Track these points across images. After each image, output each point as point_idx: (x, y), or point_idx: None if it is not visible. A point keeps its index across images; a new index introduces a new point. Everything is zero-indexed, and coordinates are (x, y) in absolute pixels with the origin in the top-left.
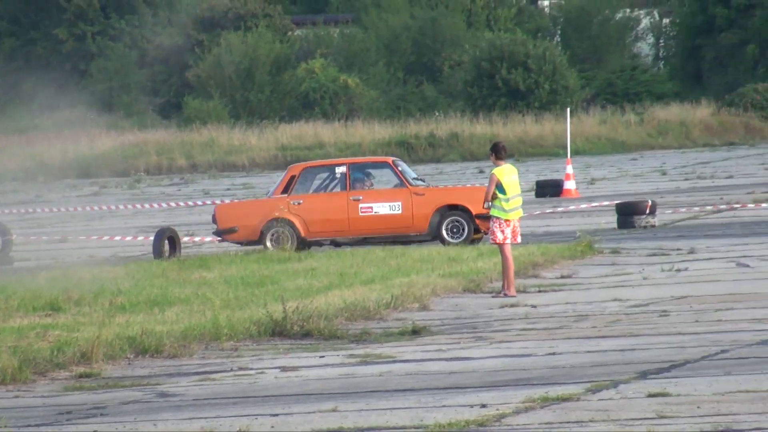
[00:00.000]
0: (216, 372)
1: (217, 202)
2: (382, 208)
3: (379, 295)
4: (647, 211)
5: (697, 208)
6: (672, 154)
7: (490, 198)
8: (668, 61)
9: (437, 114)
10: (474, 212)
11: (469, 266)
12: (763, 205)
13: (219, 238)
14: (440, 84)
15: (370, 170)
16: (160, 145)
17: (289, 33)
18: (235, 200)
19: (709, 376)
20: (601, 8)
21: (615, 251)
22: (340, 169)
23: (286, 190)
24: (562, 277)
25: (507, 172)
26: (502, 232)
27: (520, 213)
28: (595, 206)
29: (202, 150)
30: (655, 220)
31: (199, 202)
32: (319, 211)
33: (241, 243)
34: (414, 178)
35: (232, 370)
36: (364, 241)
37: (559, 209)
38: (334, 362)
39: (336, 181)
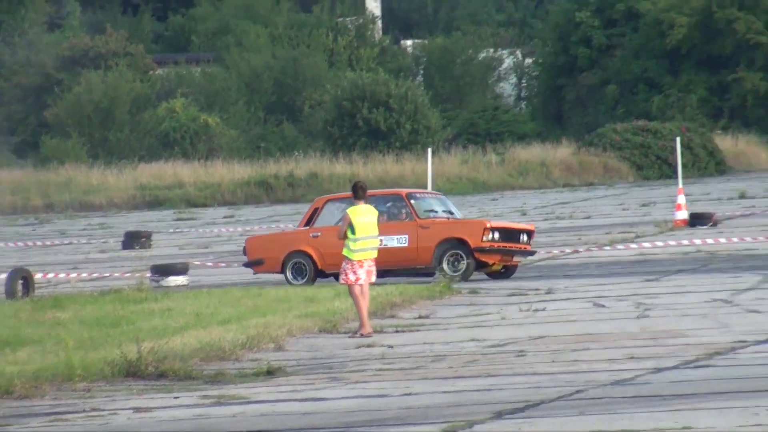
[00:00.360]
0: (68, 413)
1: (74, 241)
2: (390, 241)
3: (235, 336)
4: None
5: (555, 249)
6: (532, 194)
7: (341, 237)
8: (530, 101)
9: (297, 154)
10: (472, 245)
11: (326, 306)
12: (619, 246)
13: (250, 270)
14: (300, 123)
15: (387, 203)
16: (15, 184)
17: (151, 72)
18: (264, 233)
19: (563, 416)
20: (464, 48)
21: (473, 291)
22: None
23: (308, 223)
24: (420, 317)
25: (360, 213)
26: (354, 272)
27: (372, 254)
28: None
29: (58, 189)
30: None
31: (57, 242)
32: (334, 244)
33: (269, 273)
34: (441, 211)
35: (84, 411)
36: (379, 274)
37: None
38: (188, 403)
39: None
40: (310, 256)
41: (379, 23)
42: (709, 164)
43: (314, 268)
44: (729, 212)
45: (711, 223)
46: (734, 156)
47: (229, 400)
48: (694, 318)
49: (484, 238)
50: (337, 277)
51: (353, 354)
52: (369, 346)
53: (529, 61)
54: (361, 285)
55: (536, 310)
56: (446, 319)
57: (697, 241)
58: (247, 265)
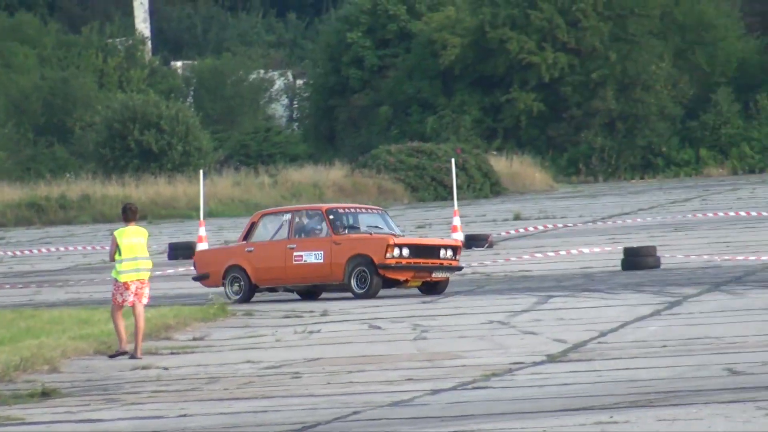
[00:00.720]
0: None
1: None
2: (309, 257)
3: (8, 357)
4: None
5: None
6: None
7: (111, 258)
8: (302, 122)
9: (68, 175)
10: (376, 262)
11: (101, 328)
12: None
13: (199, 283)
14: (72, 145)
15: (309, 219)
16: None
17: None
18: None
19: None
20: (234, 69)
21: (248, 313)
22: (285, 217)
23: (246, 237)
24: (195, 339)
25: (128, 234)
26: (120, 294)
27: (141, 276)
28: None
29: None
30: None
31: None
32: (264, 259)
33: (216, 287)
34: (367, 226)
35: None
36: (309, 289)
37: (192, 271)
38: None
39: (281, 229)
40: (245, 271)
41: (149, 44)
42: (484, 185)
43: (249, 282)
44: (504, 233)
45: (487, 245)
46: (509, 177)
47: (3, 422)
48: (471, 340)
49: (388, 255)
50: (270, 290)
51: (128, 376)
52: (144, 368)
53: (300, 82)
54: (132, 306)
55: (311, 332)
56: (221, 341)
57: (474, 263)
58: (195, 279)
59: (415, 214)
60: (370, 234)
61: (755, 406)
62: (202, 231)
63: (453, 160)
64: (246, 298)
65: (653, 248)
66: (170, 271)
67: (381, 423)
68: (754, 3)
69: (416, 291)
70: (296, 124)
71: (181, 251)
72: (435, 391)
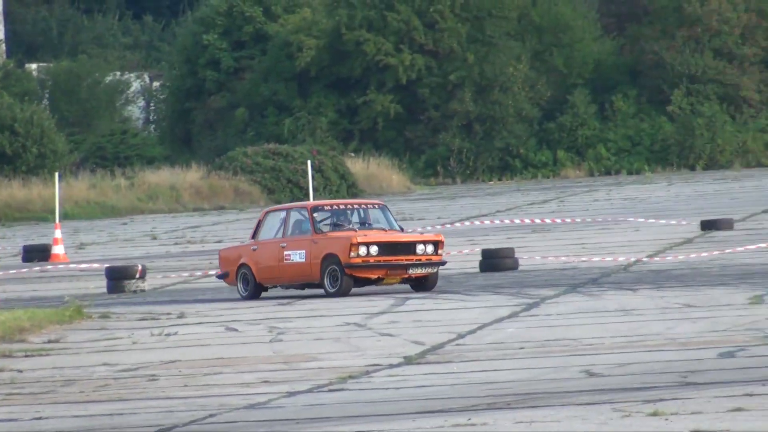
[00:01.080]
0: None
1: None
2: (294, 256)
3: None
4: (137, 276)
5: (187, 273)
6: (162, 218)
7: None
8: (159, 124)
9: None
10: (342, 261)
11: None
12: None
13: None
14: None
15: (297, 216)
16: None
17: None
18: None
19: None
20: (90, 72)
21: (105, 316)
22: (282, 215)
23: (254, 235)
24: (50, 341)
25: None
26: None
27: None
28: (85, 271)
29: None
30: (146, 285)
31: None
32: (264, 258)
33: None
34: (356, 223)
35: None
36: (297, 290)
37: (48, 274)
38: None
39: (280, 227)
40: (250, 269)
41: (3, 47)
42: (341, 187)
43: (254, 280)
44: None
45: None
46: (366, 179)
47: None
48: (328, 342)
49: (353, 254)
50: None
51: None
52: None
53: (157, 84)
54: None
55: (168, 335)
56: (77, 343)
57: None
58: (218, 277)
59: None
60: (343, 232)
61: (612, 407)
62: (58, 233)
63: (309, 162)
64: (252, 296)
65: (511, 250)
66: (24, 274)
67: (237, 425)
68: (610, 4)
69: (269, 293)
70: (153, 126)
71: (35, 254)
72: (291, 394)
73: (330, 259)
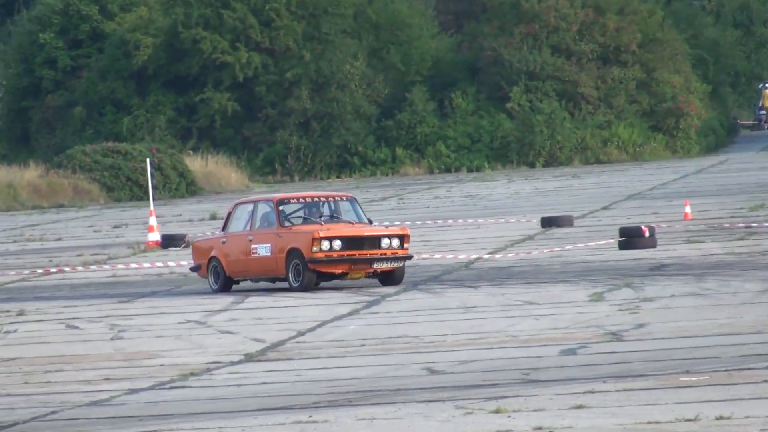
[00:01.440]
0: None
1: None
2: (261, 249)
3: None
4: None
5: (26, 271)
6: (1, 216)
7: None
8: None
9: None
10: (305, 256)
11: None
12: (92, 267)
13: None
14: None
15: (264, 210)
16: None
17: None
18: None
19: None
20: None
21: None
22: (249, 208)
23: (224, 227)
24: None
25: None
26: None
27: None
28: None
29: None
30: None
31: None
32: (232, 251)
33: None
34: (322, 216)
35: None
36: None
37: None
38: None
39: (248, 220)
40: (220, 262)
41: None
42: (180, 185)
43: (224, 273)
44: (201, 233)
45: (184, 245)
46: (205, 177)
47: None
48: (169, 339)
49: (315, 249)
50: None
51: None
52: None
53: None
54: None
55: (7, 332)
56: None
57: (171, 263)
58: (192, 269)
59: (111, 214)
60: (307, 225)
61: (454, 405)
62: None
63: (148, 160)
64: (222, 289)
65: None
66: None
67: (79, 423)
68: (448, 2)
69: (111, 291)
70: None
71: None
72: (133, 391)
73: (294, 253)
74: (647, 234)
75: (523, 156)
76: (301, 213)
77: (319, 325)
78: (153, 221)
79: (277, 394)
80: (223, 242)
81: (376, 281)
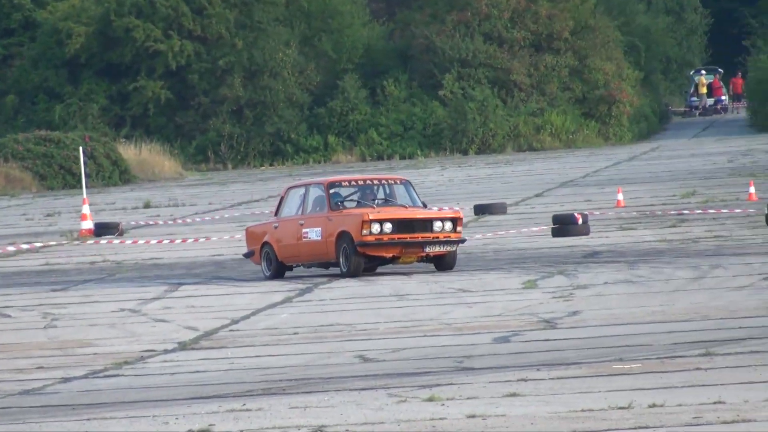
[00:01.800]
0: None
1: None
2: (312, 234)
3: None
4: None
5: None
6: None
7: None
8: None
9: None
10: (355, 240)
11: None
12: (24, 256)
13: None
14: None
15: (316, 194)
16: None
17: None
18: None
19: None
20: None
21: None
22: (301, 191)
23: (277, 212)
24: None
25: None
26: None
27: None
28: None
29: None
30: None
31: None
32: (284, 236)
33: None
34: (375, 200)
35: None
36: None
37: None
38: None
39: (300, 204)
40: (272, 248)
41: None
42: (113, 174)
43: (276, 259)
44: (134, 222)
45: (117, 233)
46: (138, 165)
47: None
48: (103, 328)
49: (365, 232)
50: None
51: None
52: None
53: None
54: None
55: None
56: None
57: (104, 251)
58: (245, 255)
59: (44, 202)
60: (358, 209)
61: (387, 393)
62: None
63: (81, 149)
64: (274, 275)
65: None
66: None
67: (11, 411)
68: None
69: (43, 279)
70: None
71: None
72: (66, 380)
73: (344, 236)
74: (580, 221)
75: (455, 143)
76: (354, 197)
77: (253, 313)
78: (86, 209)
79: (210, 382)
80: (275, 227)
81: (430, 265)
